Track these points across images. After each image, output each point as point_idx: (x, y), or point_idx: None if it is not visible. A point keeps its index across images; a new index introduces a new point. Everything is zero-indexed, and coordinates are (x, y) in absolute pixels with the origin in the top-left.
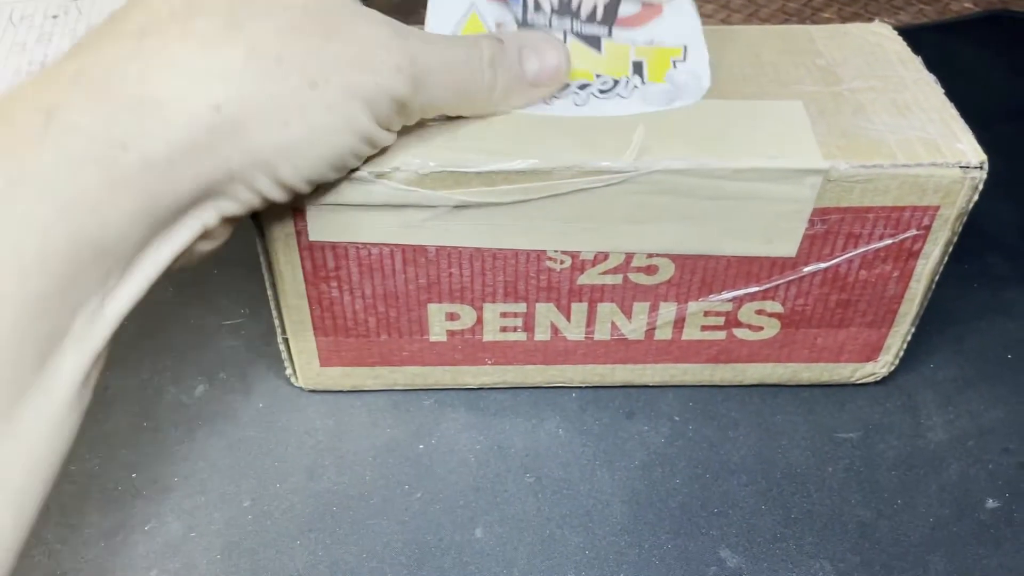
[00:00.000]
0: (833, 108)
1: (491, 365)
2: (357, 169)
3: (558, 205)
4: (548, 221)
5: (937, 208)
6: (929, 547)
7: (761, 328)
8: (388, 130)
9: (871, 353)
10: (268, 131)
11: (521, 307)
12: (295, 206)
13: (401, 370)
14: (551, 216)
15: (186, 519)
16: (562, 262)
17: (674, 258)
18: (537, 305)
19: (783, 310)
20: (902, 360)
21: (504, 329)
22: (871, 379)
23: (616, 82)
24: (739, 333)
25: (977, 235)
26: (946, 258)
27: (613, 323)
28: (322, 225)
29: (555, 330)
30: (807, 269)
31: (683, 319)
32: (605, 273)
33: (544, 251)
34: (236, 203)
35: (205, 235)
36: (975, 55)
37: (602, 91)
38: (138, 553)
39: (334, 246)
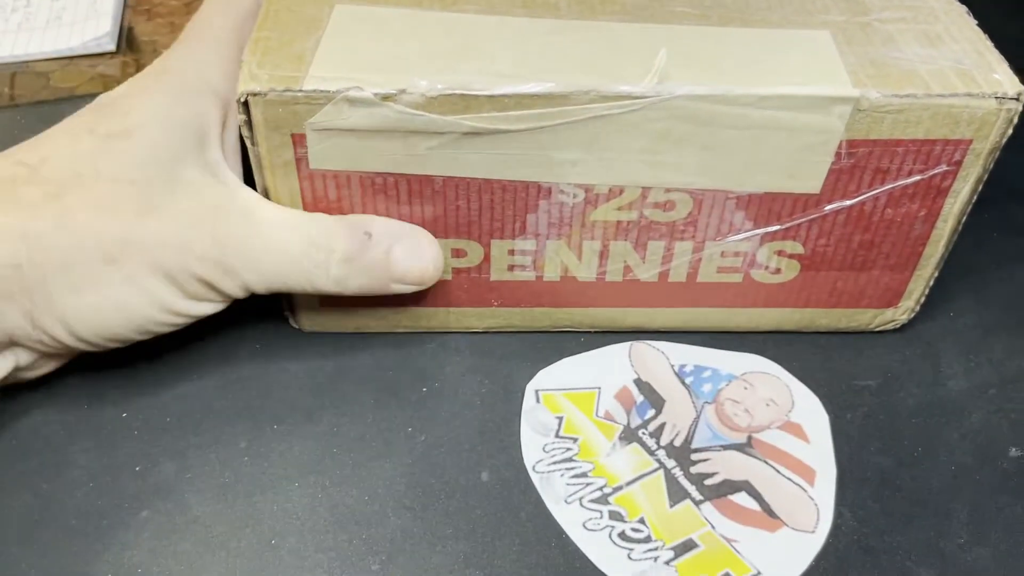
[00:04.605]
0: (862, 38)
1: (498, 307)
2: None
3: (573, 132)
4: (562, 150)
5: (970, 142)
6: (951, 496)
7: (779, 271)
8: (208, 300)
9: (892, 298)
10: (63, 294)
11: (530, 244)
12: (293, 131)
13: (405, 311)
14: (565, 145)
15: (179, 460)
16: (575, 195)
17: (692, 193)
18: (547, 242)
19: (804, 251)
20: (921, 308)
21: (512, 268)
22: (890, 326)
23: (656, 542)
24: (756, 275)
25: (997, 183)
26: (975, 197)
27: (626, 263)
28: (323, 151)
29: (565, 269)
30: (831, 207)
31: (699, 260)
32: (620, 209)
33: (556, 183)
34: (47, 347)
35: (26, 367)
36: None
37: (634, 534)
38: (129, 494)
39: (336, 175)
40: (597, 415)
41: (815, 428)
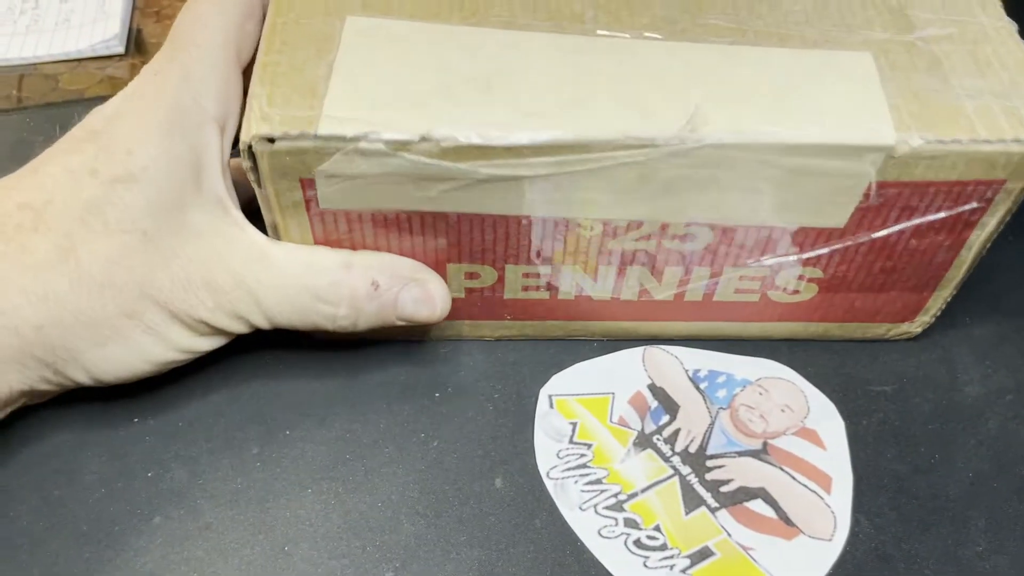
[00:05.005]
0: (905, 62)
1: (511, 320)
2: (361, 140)
3: (595, 177)
4: (581, 191)
5: (1003, 182)
6: (968, 503)
7: (798, 292)
8: (220, 335)
9: (909, 315)
10: (86, 348)
11: (545, 269)
12: (302, 176)
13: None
14: (585, 187)
15: (191, 466)
16: (592, 228)
17: (713, 226)
18: (563, 267)
19: (823, 275)
20: (937, 315)
21: (526, 288)
22: (905, 336)
23: (672, 550)
24: (773, 295)
25: None
26: (1002, 227)
27: (642, 285)
28: (333, 194)
29: (580, 289)
30: (854, 240)
31: (716, 283)
32: (638, 240)
33: (575, 218)
34: (65, 388)
35: (38, 399)
36: None
37: (649, 541)
38: (140, 499)
39: (347, 213)
40: (611, 421)
41: (831, 434)
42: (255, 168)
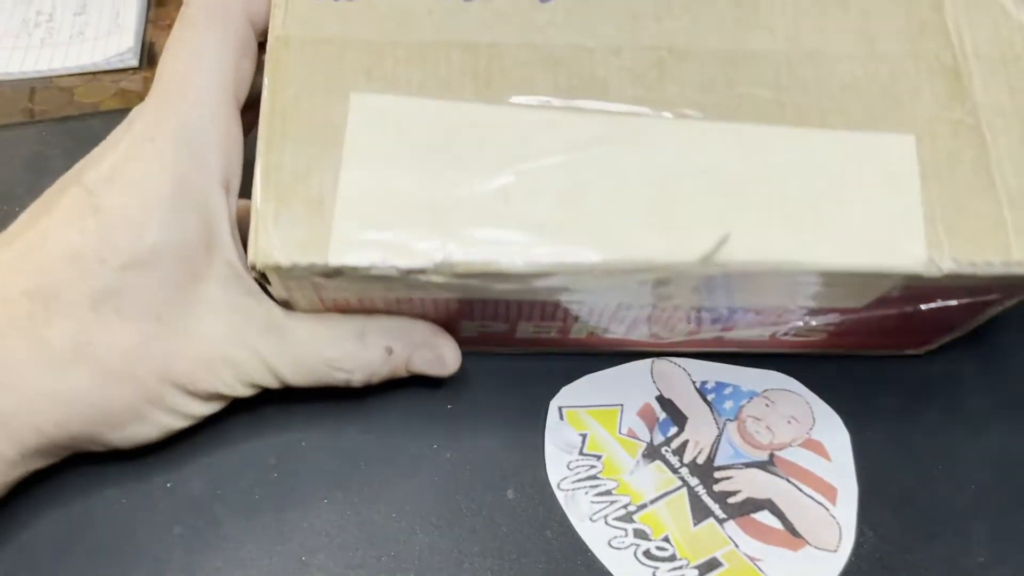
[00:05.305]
0: (951, 152)
1: (522, 348)
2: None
3: (609, 280)
4: (596, 294)
5: None
6: (972, 514)
7: (808, 336)
8: (230, 399)
9: (916, 347)
10: (105, 432)
11: (558, 323)
12: (313, 280)
13: None
14: (603, 294)
15: (209, 476)
16: (607, 305)
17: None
18: (575, 325)
19: (834, 328)
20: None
21: (538, 332)
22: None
23: (681, 561)
24: (784, 338)
25: None
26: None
27: (653, 333)
28: (343, 291)
29: (591, 333)
30: (869, 312)
31: (726, 333)
32: (652, 313)
33: (591, 308)
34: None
35: None
36: None
37: (658, 552)
38: (160, 510)
39: (359, 299)
40: (620, 432)
41: (836, 446)
42: (263, 277)
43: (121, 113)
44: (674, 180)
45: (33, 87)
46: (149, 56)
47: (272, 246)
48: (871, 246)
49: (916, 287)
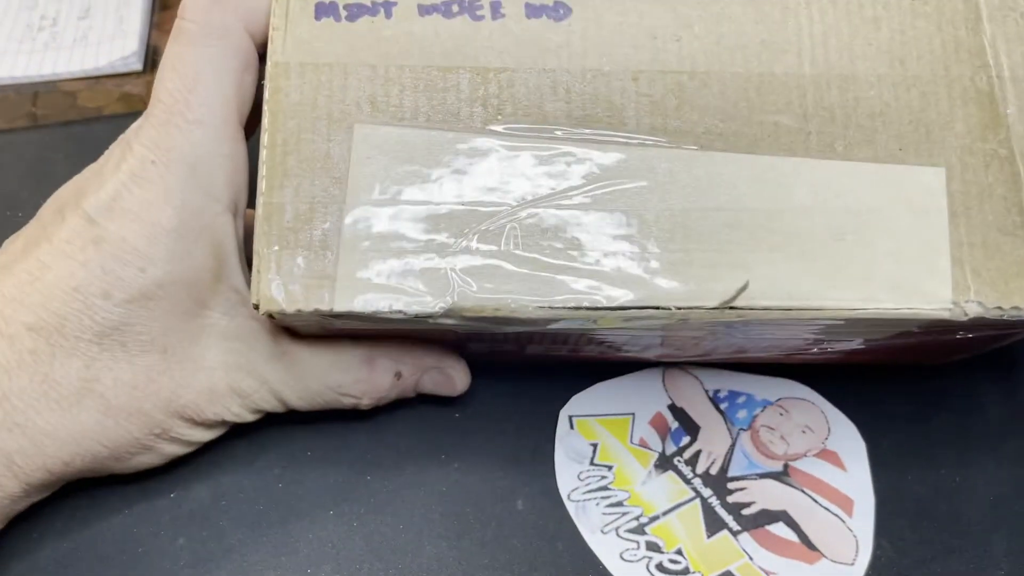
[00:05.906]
0: (983, 187)
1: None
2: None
3: (623, 322)
4: (607, 332)
5: None
6: (990, 526)
7: (825, 354)
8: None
9: (934, 362)
10: (112, 464)
11: (569, 347)
12: (318, 319)
13: None
14: (611, 327)
15: (213, 487)
16: (617, 334)
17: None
18: (586, 348)
19: (853, 350)
20: None
21: (549, 351)
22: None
23: (695, 574)
24: (798, 356)
25: None
26: None
27: (666, 352)
28: (348, 324)
29: (602, 353)
30: (888, 342)
31: (739, 353)
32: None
33: (603, 339)
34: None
35: None
36: None
37: (671, 565)
38: (164, 521)
39: (367, 326)
40: (632, 442)
41: (852, 456)
42: (268, 315)
43: (124, 118)
44: (692, 217)
45: (36, 91)
46: (153, 60)
47: (275, 292)
48: (895, 290)
49: (938, 329)
